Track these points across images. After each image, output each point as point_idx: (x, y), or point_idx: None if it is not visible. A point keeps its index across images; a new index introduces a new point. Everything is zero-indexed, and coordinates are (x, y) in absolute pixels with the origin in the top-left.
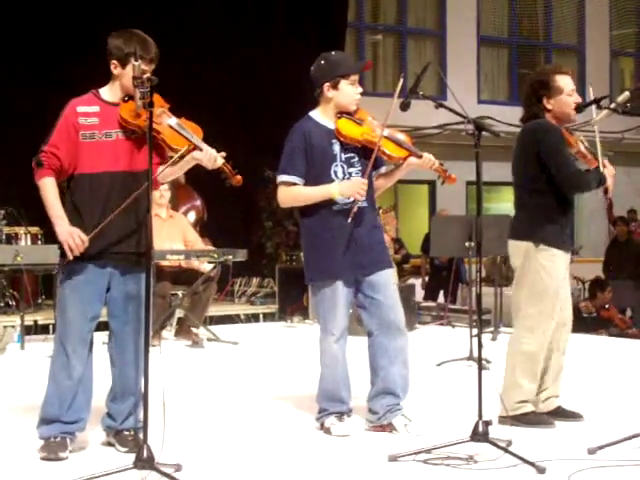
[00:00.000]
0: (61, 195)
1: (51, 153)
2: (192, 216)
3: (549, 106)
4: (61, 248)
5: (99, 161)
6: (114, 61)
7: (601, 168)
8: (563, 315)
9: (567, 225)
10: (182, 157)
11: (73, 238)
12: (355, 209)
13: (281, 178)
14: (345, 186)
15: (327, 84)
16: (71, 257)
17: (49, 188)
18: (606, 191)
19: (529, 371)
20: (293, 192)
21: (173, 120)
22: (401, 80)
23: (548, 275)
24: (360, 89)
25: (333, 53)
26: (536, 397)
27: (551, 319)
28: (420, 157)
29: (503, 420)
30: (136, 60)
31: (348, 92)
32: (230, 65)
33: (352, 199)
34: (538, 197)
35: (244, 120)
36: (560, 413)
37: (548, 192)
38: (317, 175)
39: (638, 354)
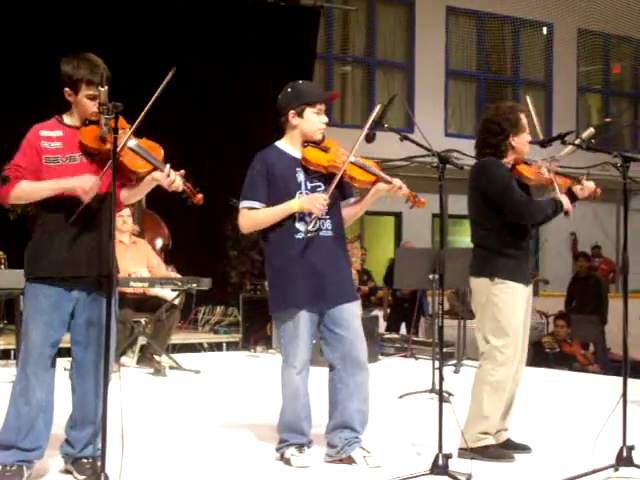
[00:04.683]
0: (28, 223)
1: (15, 170)
2: (159, 242)
3: (514, 143)
4: (26, 269)
5: None
6: (66, 89)
7: (557, 193)
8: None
9: (524, 258)
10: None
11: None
12: (311, 226)
13: (242, 204)
14: (305, 200)
15: (292, 112)
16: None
17: (30, 184)
18: (566, 212)
19: (496, 403)
20: (253, 215)
21: (132, 142)
22: (376, 109)
23: (507, 308)
24: (325, 118)
25: (300, 82)
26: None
27: (516, 351)
28: (389, 182)
29: (463, 453)
30: (102, 86)
31: (313, 120)
32: (197, 93)
33: (316, 227)
34: (492, 233)
35: (210, 148)
36: (509, 446)
37: (501, 228)
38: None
39: (598, 389)
